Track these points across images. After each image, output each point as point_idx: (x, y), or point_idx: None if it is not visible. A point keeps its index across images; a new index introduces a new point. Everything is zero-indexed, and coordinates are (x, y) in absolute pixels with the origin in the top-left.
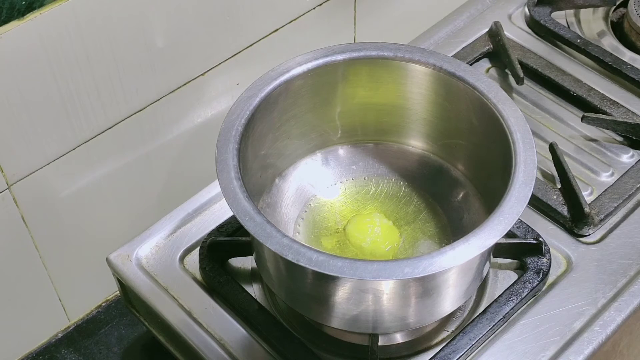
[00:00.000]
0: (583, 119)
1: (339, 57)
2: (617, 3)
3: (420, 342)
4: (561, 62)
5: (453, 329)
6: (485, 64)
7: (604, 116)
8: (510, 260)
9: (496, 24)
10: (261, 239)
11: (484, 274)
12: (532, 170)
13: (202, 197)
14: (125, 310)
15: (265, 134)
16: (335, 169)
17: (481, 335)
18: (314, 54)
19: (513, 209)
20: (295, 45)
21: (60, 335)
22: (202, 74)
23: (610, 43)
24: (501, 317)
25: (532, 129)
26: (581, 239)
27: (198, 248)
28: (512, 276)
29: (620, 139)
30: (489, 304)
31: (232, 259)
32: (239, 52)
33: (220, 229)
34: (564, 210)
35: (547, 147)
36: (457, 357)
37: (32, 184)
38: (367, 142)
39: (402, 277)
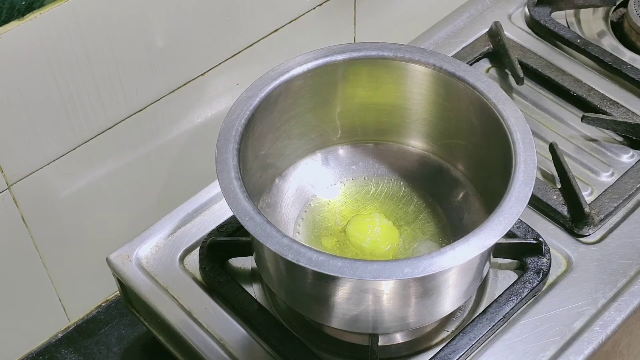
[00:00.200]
0: (583, 119)
1: (339, 57)
2: (617, 3)
3: (420, 342)
4: (561, 62)
5: (453, 329)
6: (485, 64)
7: (604, 116)
8: (510, 260)
9: (496, 24)
10: (261, 239)
11: (484, 274)
12: (532, 170)
13: (202, 197)
14: (125, 310)
15: (265, 134)
16: (335, 169)
17: (481, 335)
18: (314, 54)
19: (513, 209)
20: (295, 45)
21: (60, 335)
22: (202, 74)
23: (610, 43)
24: (501, 317)
25: (532, 129)
26: (581, 239)
27: (198, 248)
28: (512, 276)
29: (620, 139)
30: (489, 304)
31: (232, 259)
32: (239, 52)
33: (220, 229)
34: (564, 210)
35: (547, 147)
36: (457, 357)
37: (32, 184)
38: (367, 142)
39: (402, 277)
